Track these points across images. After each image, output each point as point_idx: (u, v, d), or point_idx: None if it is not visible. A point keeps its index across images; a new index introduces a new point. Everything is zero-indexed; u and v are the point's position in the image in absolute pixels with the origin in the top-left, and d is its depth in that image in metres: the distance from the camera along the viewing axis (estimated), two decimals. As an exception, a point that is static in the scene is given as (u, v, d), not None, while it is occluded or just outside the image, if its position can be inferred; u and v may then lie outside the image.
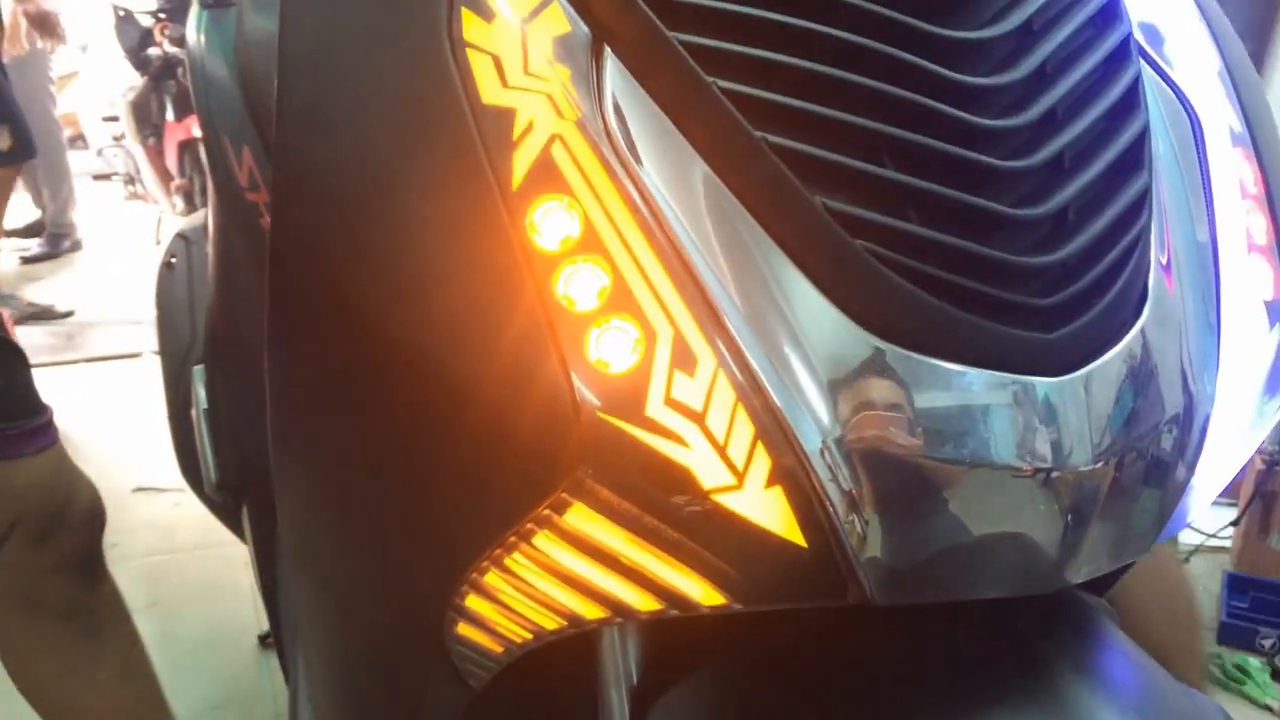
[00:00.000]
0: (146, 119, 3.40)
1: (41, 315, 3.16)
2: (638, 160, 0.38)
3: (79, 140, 4.83)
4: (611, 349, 0.37)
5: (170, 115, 3.25)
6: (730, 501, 0.37)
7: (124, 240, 4.07)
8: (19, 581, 0.94)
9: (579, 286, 0.37)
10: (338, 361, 0.44)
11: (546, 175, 0.38)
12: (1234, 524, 1.88)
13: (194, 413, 1.05)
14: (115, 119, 3.95)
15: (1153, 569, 0.85)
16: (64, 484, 0.95)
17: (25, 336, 2.64)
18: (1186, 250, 0.46)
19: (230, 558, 1.76)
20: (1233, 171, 0.49)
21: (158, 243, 3.74)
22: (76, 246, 3.97)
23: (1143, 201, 0.42)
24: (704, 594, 0.39)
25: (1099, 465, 0.39)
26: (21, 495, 0.91)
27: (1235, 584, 1.80)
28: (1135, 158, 0.43)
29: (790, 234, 0.38)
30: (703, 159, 0.38)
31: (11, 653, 0.99)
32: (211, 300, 1.05)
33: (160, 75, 3.25)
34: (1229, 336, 0.46)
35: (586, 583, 0.40)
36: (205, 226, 1.16)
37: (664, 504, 0.38)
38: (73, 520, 0.96)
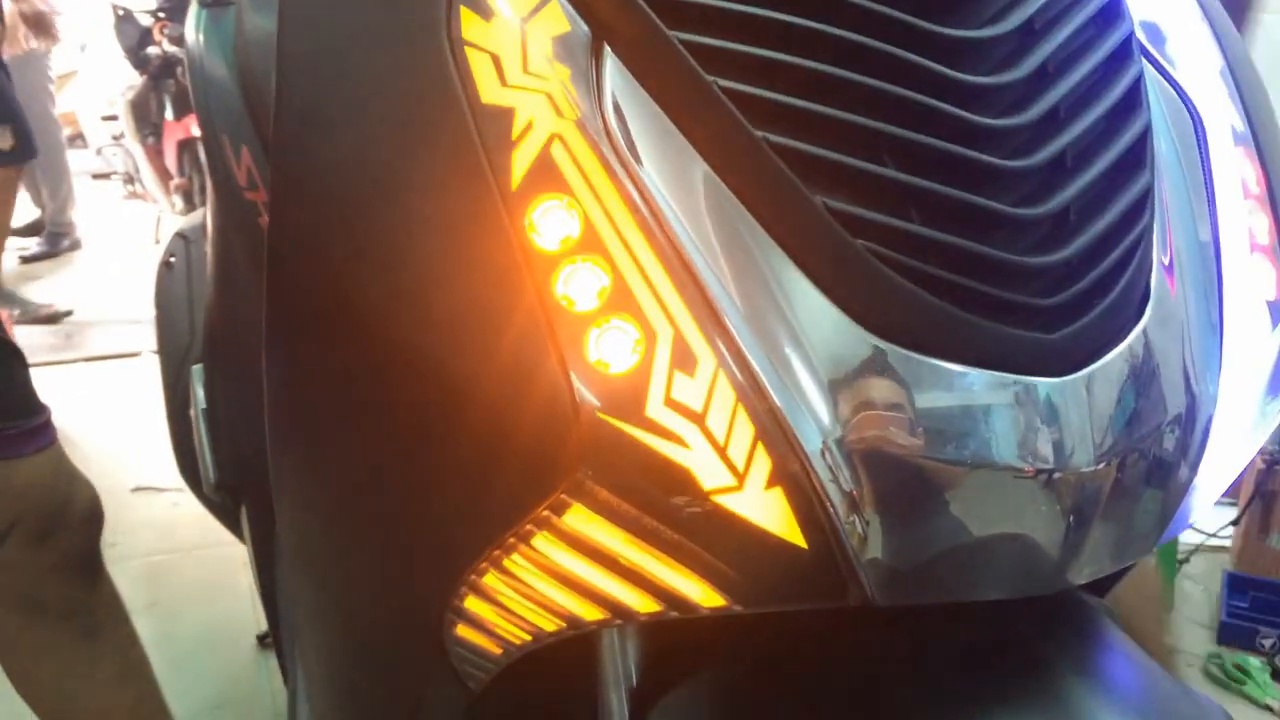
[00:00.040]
0: (146, 118, 3.39)
1: (45, 319, 3.16)
2: (637, 160, 0.38)
3: (78, 139, 4.82)
4: (611, 349, 0.37)
5: (169, 114, 3.25)
6: (730, 502, 0.37)
7: (123, 239, 4.07)
8: (17, 582, 0.94)
9: (578, 286, 0.37)
10: (336, 361, 0.44)
11: (546, 175, 0.38)
12: (1234, 523, 1.88)
13: (193, 412, 1.04)
14: (114, 118, 3.94)
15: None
16: (62, 484, 0.95)
17: (24, 336, 2.64)
18: (1189, 250, 0.45)
19: (229, 558, 1.75)
20: (1235, 171, 0.49)
21: (157, 242, 3.74)
22: (75, 245, 3.97)
23: (1145, 201, 0.42)
24: (704, 595, 0.39)
25: (1101, 466, 0.39)
26: (20, 495, 0.91)
27: (1235, 584, 1.80)
28: (1137, 157, 0.43)
29: (791, 234, 0.38)
30: (703, 158, 0.38)
31: (10, 653, 0.99)
32: (210, 300, 1.05)
33: (159, 74, 3.24)
34: (1231, 337, 0.46)
35: (586, 584, 0.40)
36: (204, 226, 1.16)
37: (664, 505, 0.37)
38: (71, 520, 0.95)
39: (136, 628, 1.07)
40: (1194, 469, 0.44)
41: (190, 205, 3.11)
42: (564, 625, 0.41)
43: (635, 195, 0.38)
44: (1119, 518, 0.41)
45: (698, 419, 0.37)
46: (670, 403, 0.37)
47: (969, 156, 0.39)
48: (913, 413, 0.37)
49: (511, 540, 0.40)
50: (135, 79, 3.39)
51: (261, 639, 1.59)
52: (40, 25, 2.80)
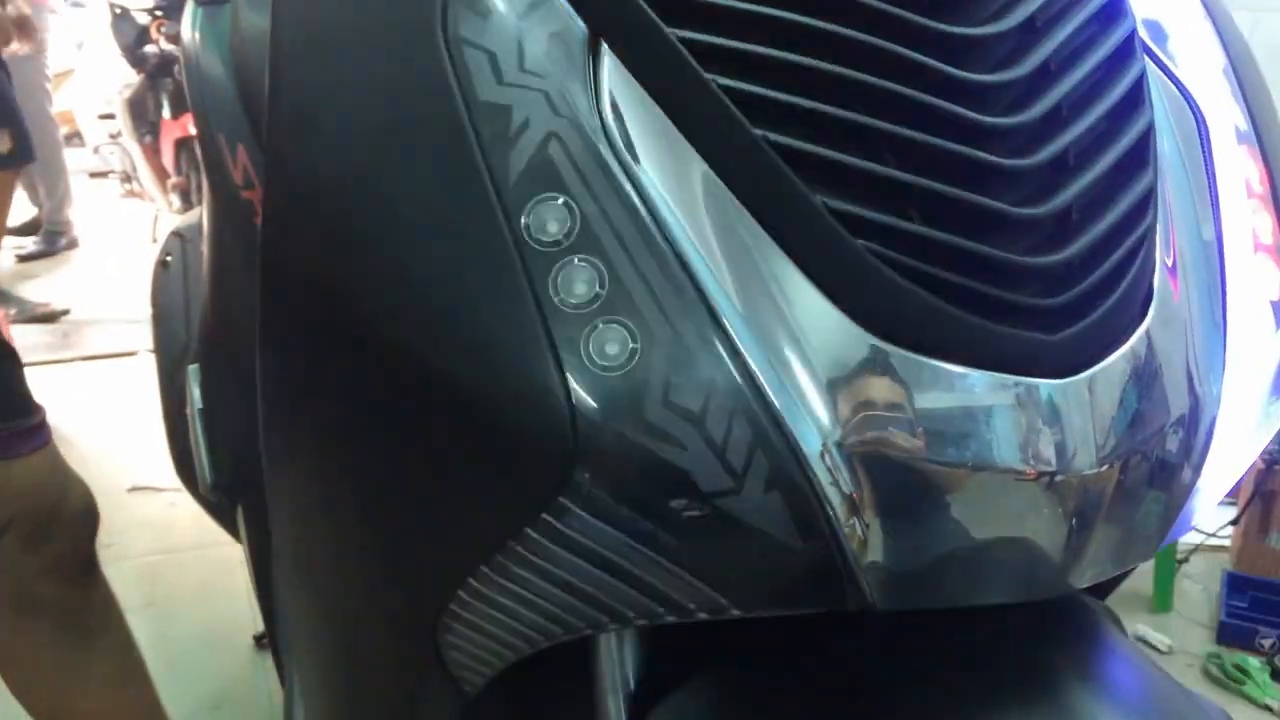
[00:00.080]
0: (143, 116, 3.38)
1: (42, 318, 3.15)
2: (635, 158, 0.38)
3: (75, 138, 4.81)
4: (608, 350, 0.36)
5: (167, 113, 3.24)
6: (729, 506, 0.37)
7: (120, 238, 4.06)
8: (12, 583, 0.94)
9: (575, 286, 0.37)
10: (329, 363, 0.43)
11: (543, 173, 0.38)
12: (1233, 523, 1.88)
13: (189, 412, 1.04)
14: (112, 117, 3.93)
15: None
16: (57, 485, 0.95)
17: (21, 334, 2.63)
18: (1192, 250, 0.45)
19: (226, 558, 1.75)
20: (1238, 170, 0.49)
21: (154, 240, 3.73)
22: (73, 244, 3.96)
23: (1147, 201, 0.42)
24: (702, 599, 0.39)
25: (1104, 468, 0.39)
26: (14, 496, 0.90)
27: (1234, 584, 1.80)
28: (1140, 156, 0.42)
29: (790, 233, 0.37)
30: (701, 157, 0.38)
31: (5, 654, 0.99)
32: (206, 299, 1.04)
33: (157, 73, 3.23)
34: (1235, 337, 0.46)
35: (583, 588, 0.39)
36: (201, 225, 1.15)
37: (661, 508, 0.37)
38: (66, 521, 0.95)
39: (133, 628, 1.07)
40: (1197, 471, 0.43)
41: (187, 204, 3.10)
42: (561, 630, 0.41)
43: (633, 194, 0.37)
44: (1121, 520, 0.41)
45: (696, 421, 0.36)
46: (668, 404, 0.36)
47: (970, 155, 0.38)
48: (913, 414, 0.37)
49: (508, 543, 0.39)
50: (132, 77, 3.39)
51: (258, 639, 1.58)
52: (24, 29, 2.79)
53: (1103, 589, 0.57)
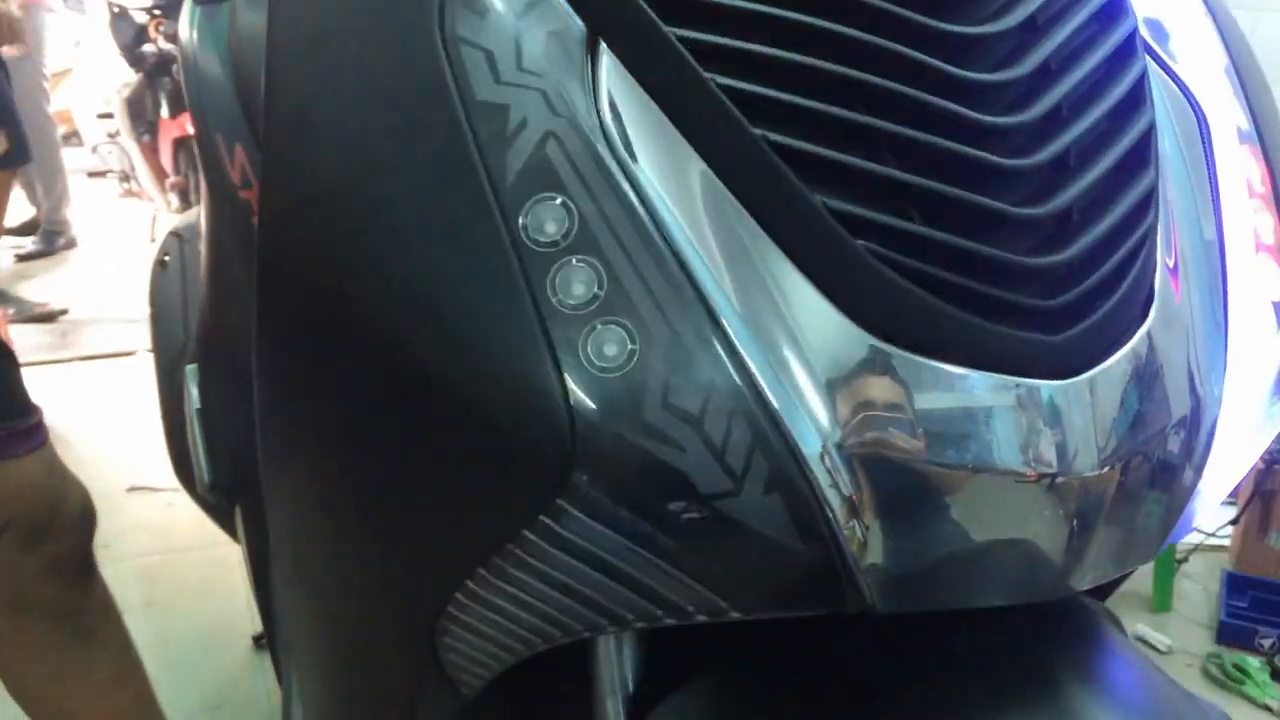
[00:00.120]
0: (141, 116, 3.38)
1: (40, 318, 3.15)
2: (633, 158, 0.38)
3: (73, 137, 4.81)
4: (606, 351, 0.36)
5: (165, 112, 3.23)
6: (728, 508, 0.36)
7: (119, 238, 4.06)
8: (9, 584, 0.94)
9: (573, 287, 0.37)
10: (326, 363, 0.43)
11: (541, 173, 0.37)
12: (1233, 523, 1.88)
13: (187, 412, 1.04)
14: (110, 116, 3.93)
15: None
16: (54, 485, 0.94)
17: (19, 334, 2.63)
18: (1193, 250, 0.45)
19: (225, 558, 1.75)
20: (1240, 170, 0.48)
21: (153, 240, 3.73)
22: (71, 244, 3.96)
23: (1149, 201, 0.41)
24: (701, 601, 0.38)
25: (1105, 470, 0.38)
26: (11, 497, 0.90)
27: (1234, 583, 1.80)
28: (1141, 156, 0.42)
29: (789, 233, 0.37)
30: (700, 156, 0.38)
31: (2, 655, 0.98)
32: (204, 299, 1.04)
33: (155, 72, 3.23)
34: (1236, 338, 0.45)
35: (581, 590, 0.39)
36: (199, 224, 1.15)
37: (661, 510, 0.37)
38: (63, 522, 0.95)
39: (131, 628, 1.07)
40: (1199, 472, 0.43)
41: (186, 203, 3.10)
42: (559, 632, 0.41)
43: (631, 194, 0.37)
44: (1123, 522, 0.40)
45: (695, 422, 0.36)
46: (667, 406, 0.36)
47: (971, 155, 0.38)
48: (913, 416, 0.37)
49: (506, 545, 0.39)
50: (131, 76, 3.38)
51: (257, 640, 1.58)
52: (12, 30, 2.79)
53: (1103, 590, 0.57)
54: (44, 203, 3.85)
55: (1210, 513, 0.47)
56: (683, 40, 0.38)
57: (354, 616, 0.50)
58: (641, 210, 0.37)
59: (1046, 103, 0.40)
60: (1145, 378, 0.40)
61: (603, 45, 0.39)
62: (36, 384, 0.96)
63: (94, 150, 4.66)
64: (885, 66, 0.38)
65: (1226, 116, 0.49)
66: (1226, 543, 1.91)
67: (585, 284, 0.36)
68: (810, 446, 0.36)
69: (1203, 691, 1.57)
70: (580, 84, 0.38)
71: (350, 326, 0.40)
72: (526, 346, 0.36)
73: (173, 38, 3.12)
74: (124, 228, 4.17)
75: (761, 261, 0.37)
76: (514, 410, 0.37)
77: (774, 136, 0.37)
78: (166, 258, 1.29)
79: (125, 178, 4.31)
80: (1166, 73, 0.49)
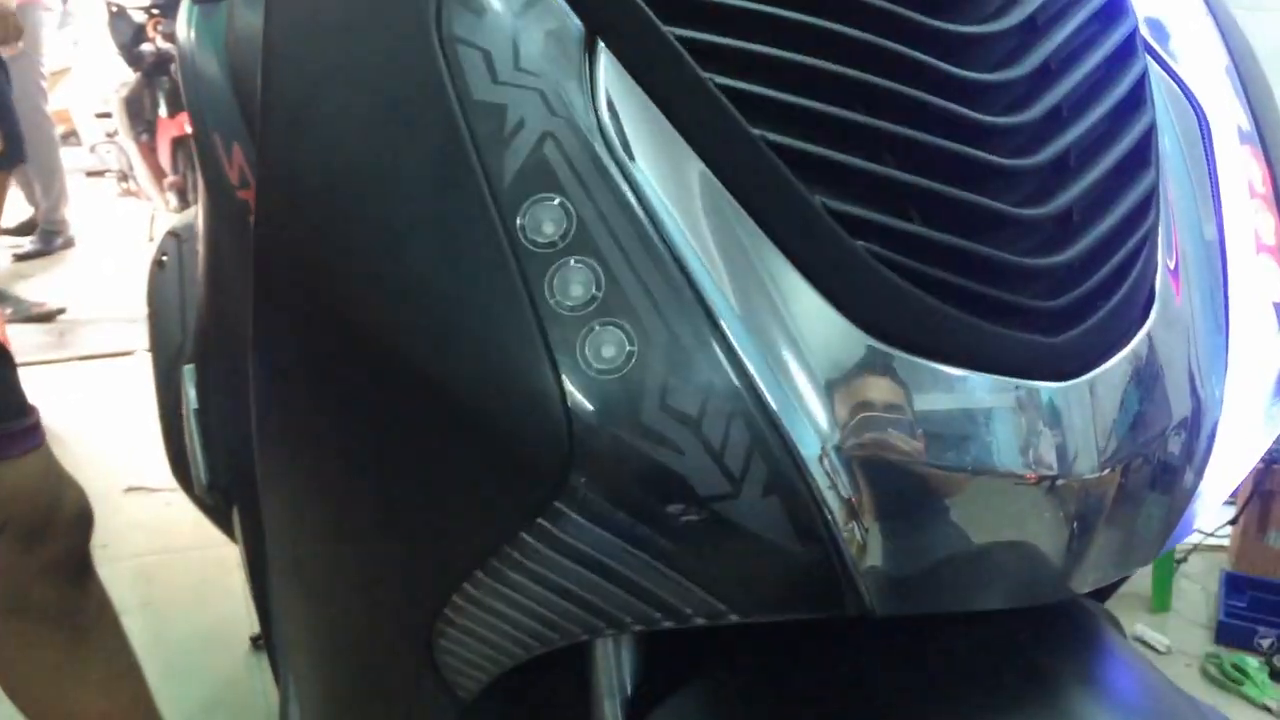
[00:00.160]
0: (139, 115, 3.37)
1: (38, 317, 3.15)
2: (632, 158, 0.37)
3: (72, 136, 4.80)
4: (604, 352, 0.36)
5: (163, 111, 3.23)
6: (726, 510, 0.36)
7: (117, 237, 4.06)
8: (6, 585, 0.93)
9: (571, 288, 0.36)
10: (323, 364, 0.43)
11: (538, 173, 0.37)
12: (1232, 523, 1.88)
13: (184, 413, 1.04)
14: (108, 115, 3.93)
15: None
16: (51, 487, 0.94)
17: (17, 334, 2.62)
18: (1194, 251, 0.45)
19: (222, 558, 1.74)
20: (1241, 170, 0.48)
21: (151, 239, 3.72)
22: (69, 244, 3.95)
23: (1149, 202, 0.41)
24: (700, 604, 0.38)
25: (1105, 472, 0.38)
26: (8, 498, 0.90)
27: (1233, 583, 1.80)
28: (1141, 156, 0.42)
29: (789, 234, 0.37)
30: (699, 157, 0.37)
31: (-1, 656, 0.98)
32: (202, 299, 1.04)
33: (153, 71, 3.22)
34: (1237, 339, 0.45)
35: (579, 593, 0.39)
36: (197, 224, 1.15)
37: (659, 513, 0.37)
38: (60, 523, 0.94)
39: (129, 629, 1.06)
40: (1199, 474, 0.43)
41: (184, 203, 3.09)
42: (557, 635, 0.40)
43: (629, 195, 0.37)
44: (1123, 524, 0.40)
45: (693, 424, 0.36)
46: (665, 408, 0.36)
47: (970, 155, 0.38)
48: (912, 417, 0.36)
49: (503, 548, 0.39)
50: (129, 76, 3.38)
51: (255, 640, 1.58)
52: (15, 29, 2.78)
53: (1103, 592, 0.57)
54: (42, 202, 3.85)
55: (1211, 514, 0.46)
56: (681, 40, 0.38)
57: (350, 619, 0.50)
58: (640, 211, 0.37)
59: (1047, 103, 0.40)
60: (1146, 379, 0.40)
61: (601, 45, 0.39)
62: (34, 384, 0.96)
63: (92, 150, 4.65)
64: (885, 66, 0.38)
65: (1227, 116, 0.49)
66: (1225, 542, 1.91)
67: (583, 285, 0.36)
68: (809, 448, 0.36)
69: (1201, 692, 1.57)
70: (578, 84, 0.38)
71: (347, 328, 0.40)
72: (524, 348, 0.36)
73: (171, 37, 3.11)
74: (122, 227, 4.16)
75: (760, 262, 0.37)
76: (511, 412, 0.36)
77: (773, 137, 0.37)
78: (164, 258, 1.29)
79: (123, 177, 4.31)
80: (1167, 72, 0.48)
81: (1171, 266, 0.42)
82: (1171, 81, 0.48)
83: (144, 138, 3.40)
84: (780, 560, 0.37)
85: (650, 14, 0.38)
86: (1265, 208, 0.49)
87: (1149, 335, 0.40)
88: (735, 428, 0.36)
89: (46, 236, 3.89)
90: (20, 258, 3.82)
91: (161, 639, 1.56)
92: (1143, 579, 1.77)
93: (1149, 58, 0.46)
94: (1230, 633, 1.68)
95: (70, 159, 4.22)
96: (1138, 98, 0.43)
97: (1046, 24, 0.42)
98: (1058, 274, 0.39)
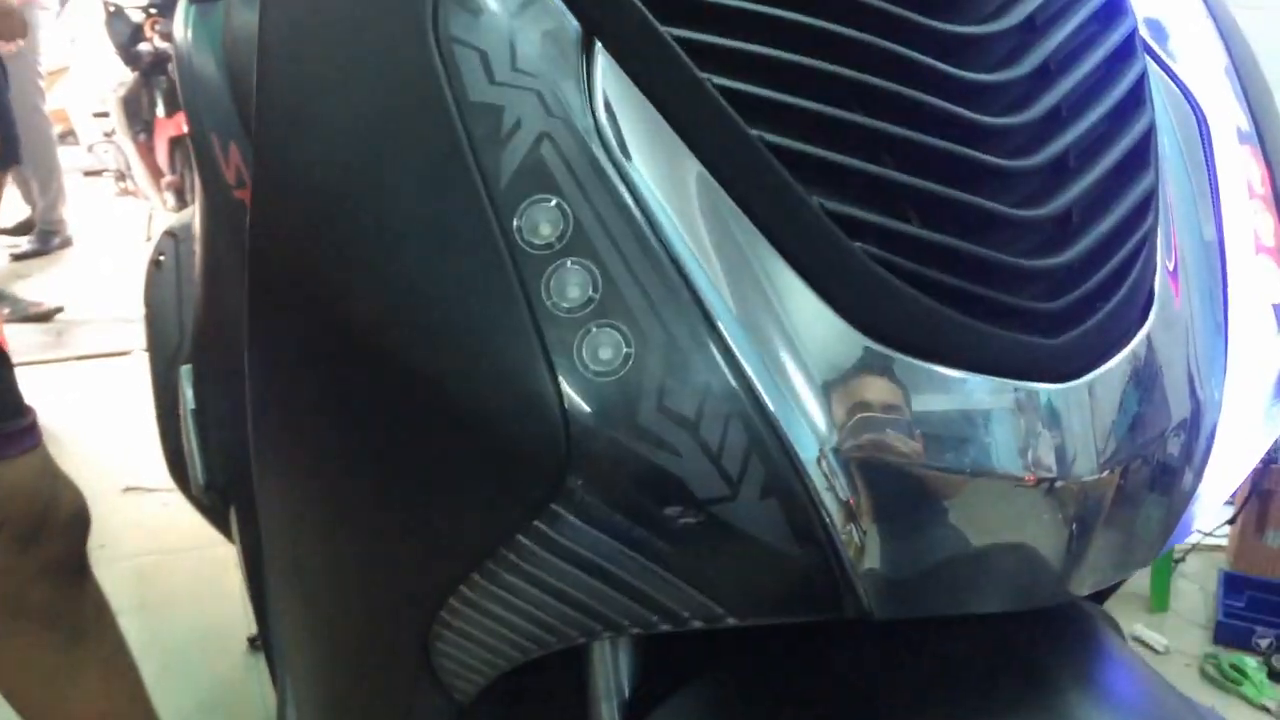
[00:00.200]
0: (137, 115, 3.37)
1: (35, 317, 3.14)
2: (629, 159, 0.37)
3: (69, 136, 4.80)
4: (601, 354, 0.36)
5: (161, 111, 3.23)
6: (724, 512, 0.36)
7: (115, 237, 4.05)
8: (2, 587, 0.93)
9: (568, 290, 0.36)
10: (318, 366, 0.43)
11: (535, 174, 0.37)
12: (1230, 522, 1.88)
13: (182, 413, 1.03)
14: (106, 115, 3.92)
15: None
16: (47, 488, 0.94)
17: (14, 334, 2.62)
18: (1193, 252, 0.45)
19: (220, 559, 1.74)
20: (1240, 171, 0.48)
21: (148, 239, 3.71)
22: (67, 243, 3.95)
23: (1148, 203, 0.41)
24: (697, 607, 0.38)
25: (1104, 474, 0.38)
26: (4, 500, 0.90)
27: (1231, 583, 1.80)
28: (1141, 157, 0.42)
29: (786, 235, 0.37)
30: (696, 158, 0.37)
31: (-5, 658, 0.98)
32: (199, 299, 1.04)
33: (151, 71, 3.22)
34: (1236, 340, 0.45)
35: (576, 596, 0.39)
36: (194, 224, 1.14)
37: (656, 515, 0.36)
38: (56, 524, 0.94)
39: (126, 629, 1.06)
40: (1198, 475, 0.43)
41: (182, 202, 3.09)
42: (554, 638, 0.40)
43: (626, 196, 0.37)
44: (1122, 526, 0.40)
45: (690, 426, 0.36)
46: (662, 410, 0.36)
47: (969, 156, 0.38)
48: (911, 419, 0.36)
49: (500, 551, 0.39)
50: (127, 75, 3.37)
51: (252, 641, 1.58)
52: (20, 25, 2.77)
53: (1101, 593, 0.57)
54: (39, 202, 3.85)
55: (1210, 516, 0.46)
56: (679, 40, 0.37)
57: (347, 621, 0.50)
58: (637, 212, 0.37)
59: (1046, 103, 0.40)
60: (1145, 381, 0.40)
61: (598, 45, 0.38)
62: (32, 384, 0.96)
63: (90, 149, 4.65)
64: (883, 67, 0.38)
65: (1227, 117, 0.49)
66: (1224, 542, 1.91)
67: (580, 286, 0.36)
68: (807, 450, 0.36)
69: (1200, 692, 1.57)
70: (575, 84, 0.38)
71: (342, 329, 0.40)
72: (521, 350, 0.36)
73: (168, 36, 3.11)
74: (120, 227, 4.16)
75: (758, 263, 0.37)
76: (508, 414, 0.36)
77: (770, 137, 0.37)
78: (161, 257, 1.29)
79: (121, 177, 4.30)
80: (1166, 73, 0.48)
81: (1171, 267, 0.42)
82: (1171, 82, 0.48)
83: (141, 137, 3.40)
84: (778, 563, 0.37)
85: (648, 14, 0.38)
86: (1264, 208, 0.49)
87: (1148, 336, 0.40)
88: (733, 430, 0.36)
89: (44, 236, 3.89)
90: (18, 257, 3.82)
91: (159, 639, 1.56)
92: (1141, 579, 1.77)
93: (1148, 58, 0.46)
94: (1228, 633, 1.68)
95: (68, 158, 4.22)
96: (1137, 98, 0.42)
97: (1045, 24, 0.42)
98: (1056, 275, 0.38)
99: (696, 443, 0.36)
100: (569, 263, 0.36)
